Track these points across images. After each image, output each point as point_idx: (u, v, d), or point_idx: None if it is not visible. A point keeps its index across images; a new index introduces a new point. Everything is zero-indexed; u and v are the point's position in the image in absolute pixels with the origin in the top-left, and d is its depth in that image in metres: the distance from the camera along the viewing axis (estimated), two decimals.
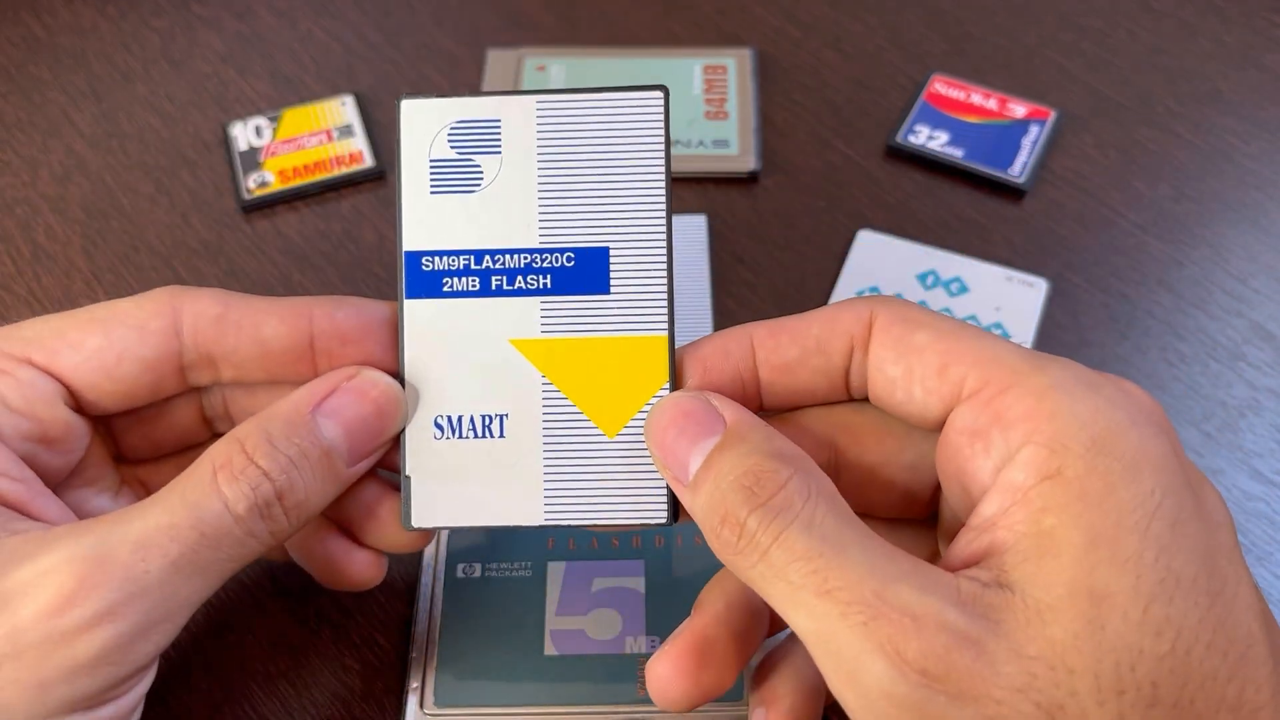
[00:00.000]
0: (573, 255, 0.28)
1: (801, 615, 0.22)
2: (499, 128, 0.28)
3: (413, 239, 0.28)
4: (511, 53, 0.51)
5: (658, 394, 0.28)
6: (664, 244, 0.28)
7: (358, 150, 0.48)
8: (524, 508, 0.28)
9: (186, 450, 0.31)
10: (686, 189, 0.47)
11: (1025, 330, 0.42)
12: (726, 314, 0.43)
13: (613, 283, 0.28)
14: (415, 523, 0.29)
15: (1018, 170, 0.46)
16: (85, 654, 0.24)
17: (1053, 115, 0.48)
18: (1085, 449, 0.22)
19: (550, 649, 0.33)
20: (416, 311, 0.28)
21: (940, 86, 0.49)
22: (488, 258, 0.28)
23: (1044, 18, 0.53)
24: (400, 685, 0.33)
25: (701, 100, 0.49)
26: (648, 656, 0.33)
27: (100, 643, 0.24)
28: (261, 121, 0.49)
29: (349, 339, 0.29)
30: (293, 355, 0.29)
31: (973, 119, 0.48)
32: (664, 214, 0.28)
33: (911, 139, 0.48)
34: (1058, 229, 0.45)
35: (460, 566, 0.35)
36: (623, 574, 0.35)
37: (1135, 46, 0.52)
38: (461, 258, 0.28)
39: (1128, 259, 0.44)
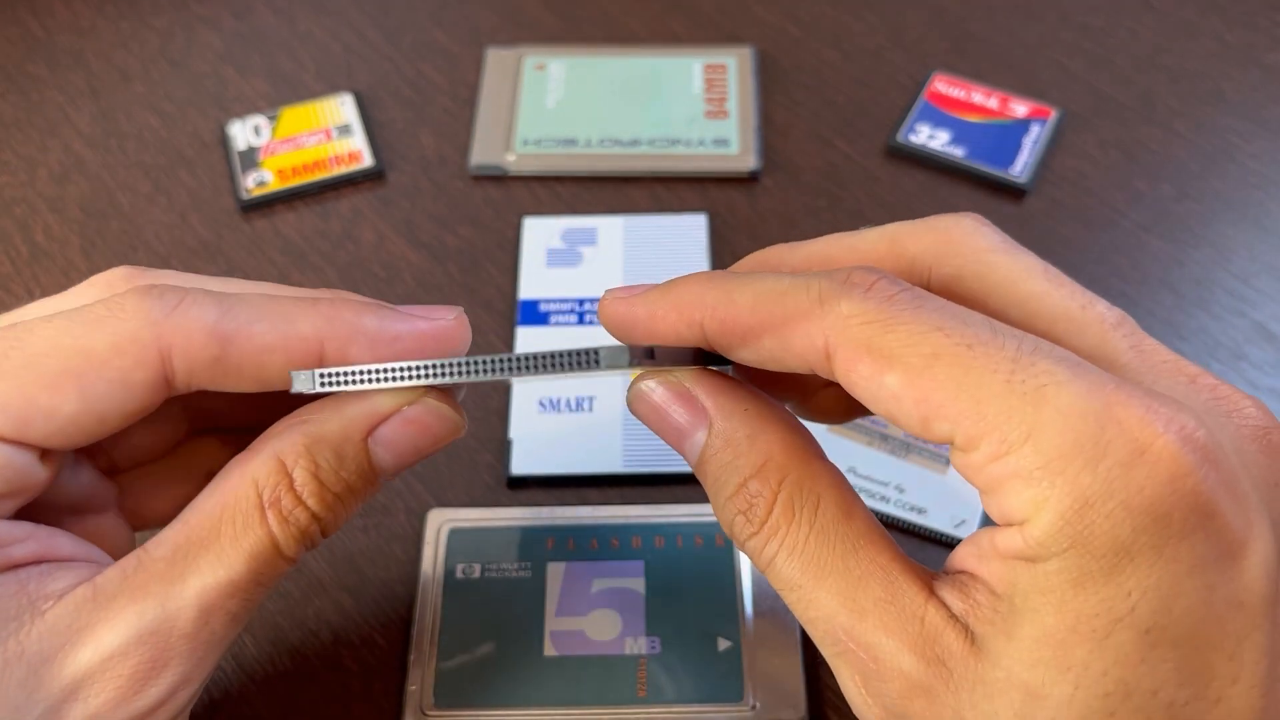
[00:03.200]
0: None
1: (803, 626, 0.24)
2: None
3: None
4: (511, 51, 0.51)
5: None
6: None
7: (357, 149, 0.47)
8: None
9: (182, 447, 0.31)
10: (687, 188, 0.47)
11: None
12: None
13: None
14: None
15: (1019, 170, 0.46)
16: None
17: (1054, 114, 0.48)
18: (1062, 549, 0.20)
19: (550, 650, 0.33)
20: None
21: (941, 85, 0.49)
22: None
23: (1045, 16, 0.53)
24: (399, 686, 0.33)
25: (701, 99, 0.49)
26: (648, 657, 0.33)
27: (175, 708, 0.24)
28: (260, 120, 0.48)
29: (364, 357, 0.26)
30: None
31: (974, 118, 0.48)
32: None
33: (912, 138, 0.47)
34: (1059, 228, 0.45)
35: (460, 567, 0.35)
36: (623, 574, 0.35)
37: (1137, 45, 0.51)
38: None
39: (1129, 259, 0.44)
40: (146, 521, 0.30)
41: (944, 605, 0.22)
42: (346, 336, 0.25)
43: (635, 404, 0.26)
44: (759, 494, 0.24)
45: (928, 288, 0.26)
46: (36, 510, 0.26)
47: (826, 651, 0.23)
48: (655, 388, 0.25)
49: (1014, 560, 0.21)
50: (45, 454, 0.25)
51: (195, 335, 0.24)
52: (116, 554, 0.27)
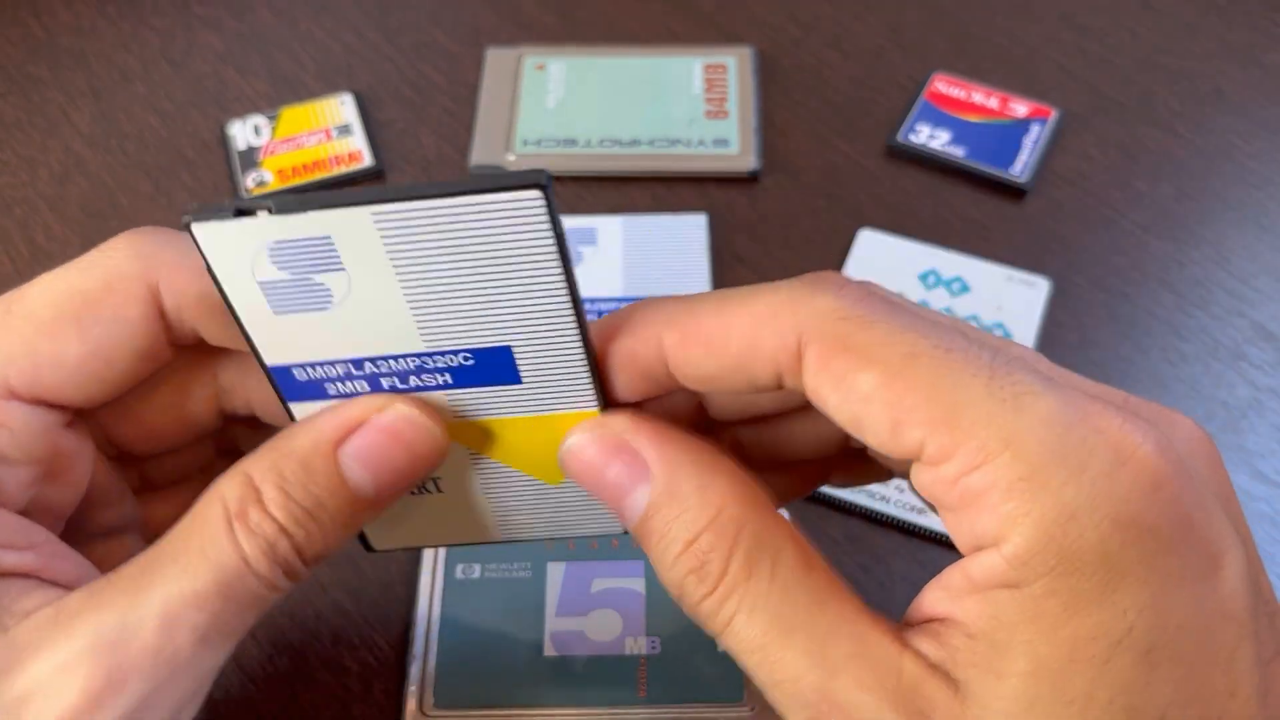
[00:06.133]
0: (470, 355, 0.23)
1: (764, 693, 0.22)
2: (332, 244, 0.22)
3: (273, 354, 0.24)
4: (511, 51, 0.51)
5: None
6: (576, 336, 0.23)
7: (357, 149, 0.47)
8: (481, 530, 0.27)
9: (209, 468, 0.29)
10: (687, 188, 0.47)
11: (1027, 330, 0.42)
12: None
13: (523, 374, 0.24)
14: (377, 546, 0.28)
15: (1019, 169, 0.46)
16: None
17: (1054, 114, 0.48)
18: (1049, 568, 0.19)
19: (550, 649, 0.33)
20: (306, 412, 0.25)
21: (941, 85, 0.49)
22: (369, 364, 0.24)
23: (1045, 17, 0.53)
24: (399, 686, 0.33)
25: (701, 99, 0.49)
26: (648, 657, 0.33)
27: None
28: (260, 120, 0.49)
29: None
30: None
31: (974, 118, 0.48)
32: (568, 310, 0.23)
33: (912, 138, 0.47)
34: (1059, 228, 0.45)
35: (460, 567, 0.35)
36: (622, 574, 0.35)
37: (1136, 45, 0.51)
38: (339, 365, 0.24)
39: (1129, 258, 0.44)
40: None
41: (920, 655, 0.21)
42: None
43: (567, 462, 0.24)
44: (713, 548, 0.22)
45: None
46: (70, 528, 0.26)
47: (796, 717, 0.21)
48: (588, 444, 0.24)
49: (994, 590, 0.20)
50: (71, 423, 0.25)
51: (182, 270, 0.25)
52: None
